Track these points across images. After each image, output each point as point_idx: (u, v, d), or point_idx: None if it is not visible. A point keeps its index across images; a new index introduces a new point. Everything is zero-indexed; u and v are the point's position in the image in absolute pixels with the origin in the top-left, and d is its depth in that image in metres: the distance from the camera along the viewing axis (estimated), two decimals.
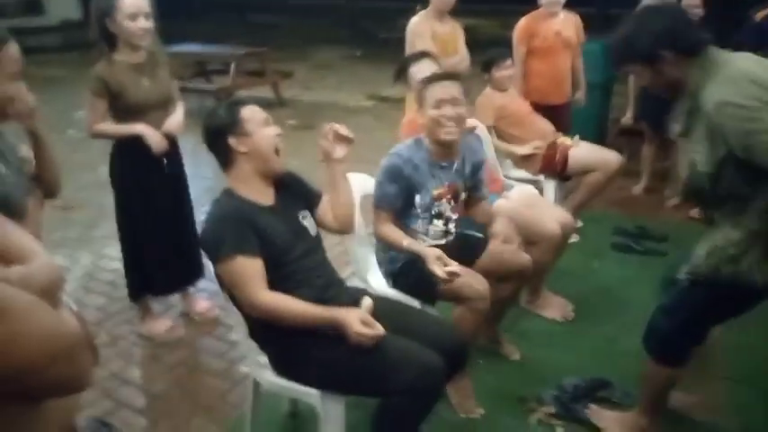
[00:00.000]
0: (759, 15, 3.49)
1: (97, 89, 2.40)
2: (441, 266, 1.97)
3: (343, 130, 1.86)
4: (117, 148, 2.53)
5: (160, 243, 2.61)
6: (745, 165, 1.58)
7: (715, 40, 1.73)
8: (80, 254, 3.49)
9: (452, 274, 1.97)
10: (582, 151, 3.32)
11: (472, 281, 2.09)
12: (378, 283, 2.32)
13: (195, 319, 2.82)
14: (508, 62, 3.34)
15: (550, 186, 3.32)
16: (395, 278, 2.26)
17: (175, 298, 2.90)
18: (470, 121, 3.07)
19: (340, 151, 1.88)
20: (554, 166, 3.31)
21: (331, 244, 2.70)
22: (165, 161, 2.52)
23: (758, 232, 1.65)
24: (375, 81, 7.46)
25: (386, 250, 2.28)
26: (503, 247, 2.26)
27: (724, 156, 1.59)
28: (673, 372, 1.92)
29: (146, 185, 2.54)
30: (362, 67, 9.12)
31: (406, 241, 2.14)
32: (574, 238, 3.25)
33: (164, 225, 2.60)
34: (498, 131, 3.34)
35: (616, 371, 2.35)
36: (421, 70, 2.60)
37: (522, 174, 3.33)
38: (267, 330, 1.77)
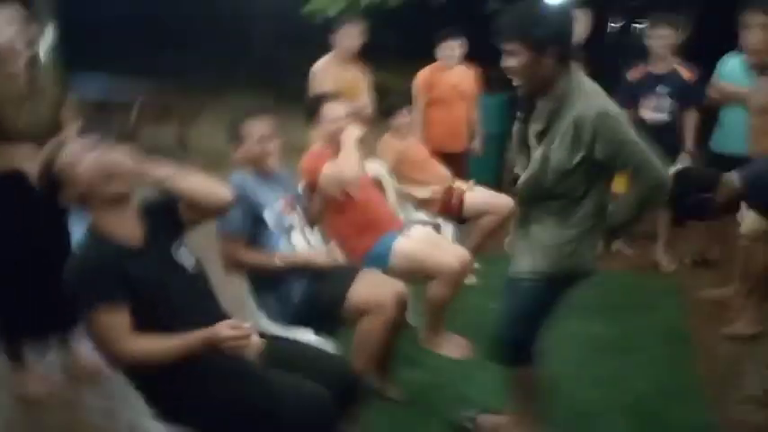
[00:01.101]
0: (632, 75, 3.84)
1: None
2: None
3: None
4: None
5: (32, 283, 2.40)
6: (590, 168, 1.78)
7: None
8: None
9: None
10: (477, 195, 3.48)
11: (379, 290, 2.21)
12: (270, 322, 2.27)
13: (76, 372, 2.61)
14: (404, 111, 3.48)
15: (448, 228, 3.42)
16: (295, 315, 2.24)
17: (53, 353, 2.65)
18: (371, 165, 3.18)
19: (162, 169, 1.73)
20: (451, 209, 3.43)
21: (224, 287, 2.63)
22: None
23: (587, 230, 1.87)
24: (285, 129, 7.42)
25: (270, 290, 2.26)
26: (374, 275, 2.36)
27: (580, 158, 1.77)
28: (531, 369, 2.07)
29: (16, 216, 2.34)
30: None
31: (277, 258, 2.23)
32: (471, 280, 3.35)
33: (36, 261, 2.39)
34: (398, 175, 3.44)
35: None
36: (333, 109, 2.70)
37: (422, 216, 3.42)
38: (147, 378, 1.67)
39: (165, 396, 1.69)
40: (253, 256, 2.23)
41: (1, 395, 2.49)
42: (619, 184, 3.93)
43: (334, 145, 2.65)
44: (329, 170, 2.58)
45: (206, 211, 1.80)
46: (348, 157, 2.58)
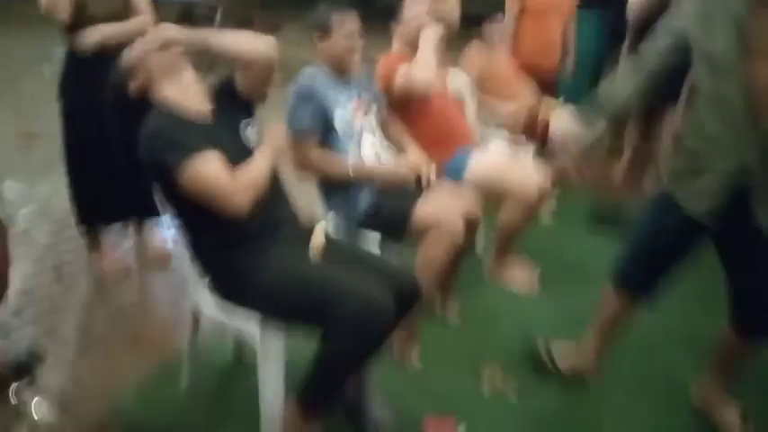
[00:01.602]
0: None
1: None
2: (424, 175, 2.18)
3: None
4: (69, 60, 2.37)
5: (109, 168, 2.44)
6: None
7: None
8: (38, 182, 3.33)
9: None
10: (562, 122, 3.19)
11: (448, 211, 2.07)
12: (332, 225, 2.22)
13: (148, 253, 2.70)
14: (500, 17, 3.21)
15: (529, 150, 3.20)
16: (361, 221, 2.17)
17: (128, 238, 2.76)
18: (453, 76, 2.98)
19: None
20: (534, 132, 3.20)
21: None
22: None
23: None
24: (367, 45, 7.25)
25: (338, 194, 2.19)
26: (445, 191, 2.21)
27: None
28: None
29: (95, 101, 2.31)
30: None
31: (351, 167, 2.11)
32: (547, 219, 3.15)
33: (114, 148, 2.41)
34: (482, 89, 3.22)
35: (573, 336, 2.26)
36: (413, 7, 2.52)
37: (503, 134, 3.21)
38: (211, 249, 1.67)
39: (224, 267, 1.67)
40: (324, 160, 2.14)
41: (78, 275, 2.61)
42: None
43: (413, 47, 2.47)
44: (403, 73, 2.41)
45: (252, 69, 1.71)
46: (424, 59, 2.40)
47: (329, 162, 2.14)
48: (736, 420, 1.88)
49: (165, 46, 1.62)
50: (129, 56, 1.62)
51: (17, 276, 2.45)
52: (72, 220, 2.87)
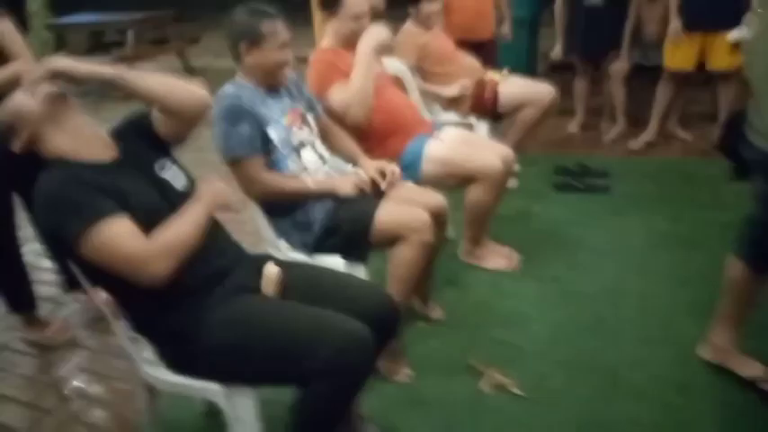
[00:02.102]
0: None
1: None
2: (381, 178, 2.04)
3: None
4: None
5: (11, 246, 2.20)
6: None
7: None
8: None
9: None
10: (512, 86, 3.07)
11: (413, 211, 1.88)
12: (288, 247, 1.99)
13: (89, 315, 2.42)
14: None
15: (483, 127, 3.05)
16: (318, 244, 1.95)
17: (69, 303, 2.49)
18: (391, 63, 2.78)
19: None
20: (484, 105, 3.05)
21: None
22: None
23: None
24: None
25: (286, 216, 1.96)
26: (404, 191, 2.04)
27: None
28: None
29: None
30: None
31: (311, 182, 1.91)
32: (513, 184, 3.01)
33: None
34: (422, 72, 3.03)
35: (567, 312, 2.22)
36: (359, 2, 2.28)
37: (452, 117, 3.04)
38: (147, 316, 1.43)
39: (171, 342, 1.44)
40: (277, 180, 1.91)
41: (11, 343, 2.33)
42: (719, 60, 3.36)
43: (351, 46, 2.25)
44: (338, 98, 2.21)
45: (182, 115, 1.50)
46: (360, 78, 2.19)
47: (283, 181, 1.91)
48: (759, 369, 1.79)
49: (54, 78, 1.36)
50: (3, 110, 1.36)
51: None
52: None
